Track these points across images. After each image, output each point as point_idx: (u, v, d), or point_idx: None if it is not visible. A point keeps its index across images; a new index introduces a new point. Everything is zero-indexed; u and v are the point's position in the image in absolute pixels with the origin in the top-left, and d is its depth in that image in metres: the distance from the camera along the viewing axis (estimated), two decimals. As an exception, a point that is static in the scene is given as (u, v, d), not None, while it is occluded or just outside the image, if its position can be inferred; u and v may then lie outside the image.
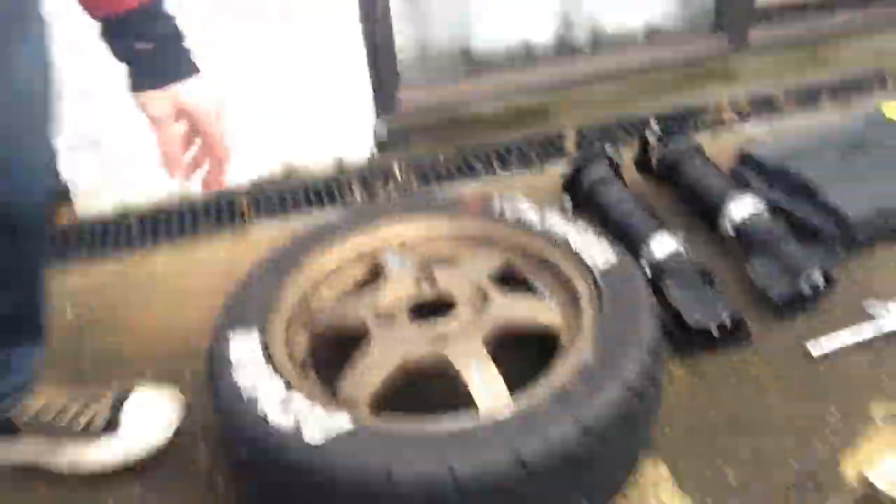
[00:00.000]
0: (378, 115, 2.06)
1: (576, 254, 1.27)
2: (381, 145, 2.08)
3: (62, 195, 1.84)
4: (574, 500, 1.00)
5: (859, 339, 1.33)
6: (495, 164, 1.99)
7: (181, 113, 0.99)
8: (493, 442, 0.94)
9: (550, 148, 2.05)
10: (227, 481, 1.17)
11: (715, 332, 1.33)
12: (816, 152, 1.72)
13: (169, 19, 0.97)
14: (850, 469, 1.06)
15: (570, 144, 2.06)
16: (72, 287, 1.62)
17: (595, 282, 1.20)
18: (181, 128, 1.01)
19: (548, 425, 0.95)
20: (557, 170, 1.82)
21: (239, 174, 1.97)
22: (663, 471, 1.14)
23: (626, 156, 1.82)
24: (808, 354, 1.32)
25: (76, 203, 1.88)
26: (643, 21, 2.31)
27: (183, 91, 0.97)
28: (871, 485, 0.93)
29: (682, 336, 1.34)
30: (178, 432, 1.21)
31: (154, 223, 1.85)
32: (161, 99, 0.97)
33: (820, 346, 1.32)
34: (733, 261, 1.54)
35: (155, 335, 1.48)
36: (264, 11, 1.81)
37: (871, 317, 1.38)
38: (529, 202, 1.40)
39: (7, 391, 1.14)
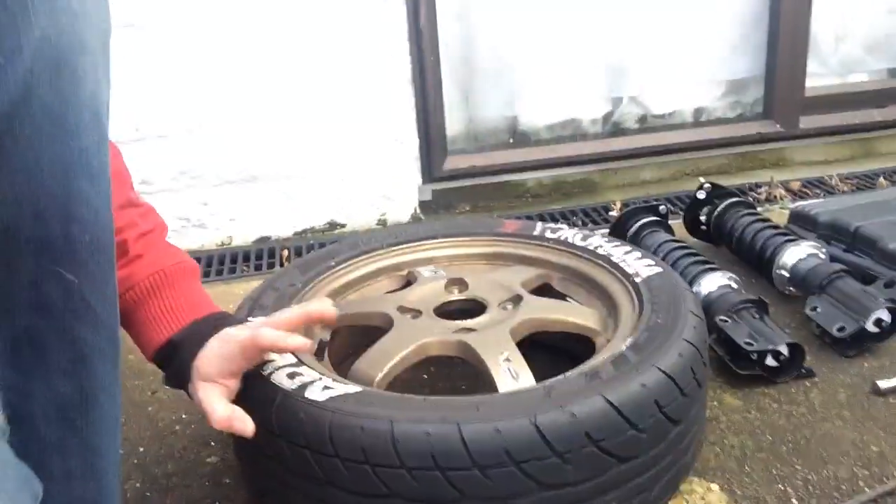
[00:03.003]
0: (424, 179, 2.08)
1: (617, 266, 1.20)
2: (426, 208, 2.08)
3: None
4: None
5: (936, 375, 1.20)
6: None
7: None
8: (508, 407, 0.85)
9: (596, 216, 2.02)
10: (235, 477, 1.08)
11: (770, 361, 1.22)
12: (870, 210, 1.63)
13: None
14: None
15: (615, 214, 2.02)
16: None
17: (636, 288, 1.13)
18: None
19: (571, 398, 0.85)
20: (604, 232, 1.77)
21: (284, 225, 1.98)
22: (715, 490, 1.01)
23: (676, 223, 1.76)
24: (876, 389, 1.19)
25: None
26: (692, 107, 2.32)
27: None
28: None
29: (736, 366, 1.23)
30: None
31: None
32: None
33: (891, 382, 1.19)
34: (792, 313, 1.44)
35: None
36: (321, 74, 1.88)
37: (948, 360, 1.25)
38: (571, 227, 1.35)
39: None
